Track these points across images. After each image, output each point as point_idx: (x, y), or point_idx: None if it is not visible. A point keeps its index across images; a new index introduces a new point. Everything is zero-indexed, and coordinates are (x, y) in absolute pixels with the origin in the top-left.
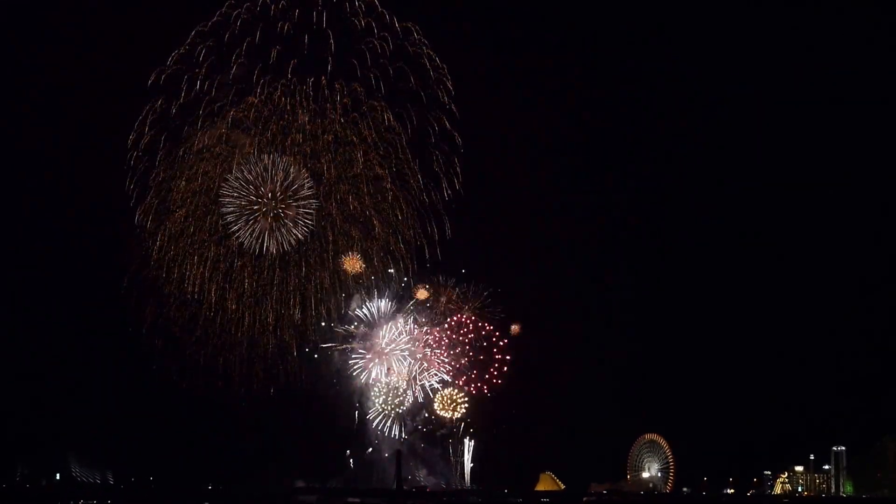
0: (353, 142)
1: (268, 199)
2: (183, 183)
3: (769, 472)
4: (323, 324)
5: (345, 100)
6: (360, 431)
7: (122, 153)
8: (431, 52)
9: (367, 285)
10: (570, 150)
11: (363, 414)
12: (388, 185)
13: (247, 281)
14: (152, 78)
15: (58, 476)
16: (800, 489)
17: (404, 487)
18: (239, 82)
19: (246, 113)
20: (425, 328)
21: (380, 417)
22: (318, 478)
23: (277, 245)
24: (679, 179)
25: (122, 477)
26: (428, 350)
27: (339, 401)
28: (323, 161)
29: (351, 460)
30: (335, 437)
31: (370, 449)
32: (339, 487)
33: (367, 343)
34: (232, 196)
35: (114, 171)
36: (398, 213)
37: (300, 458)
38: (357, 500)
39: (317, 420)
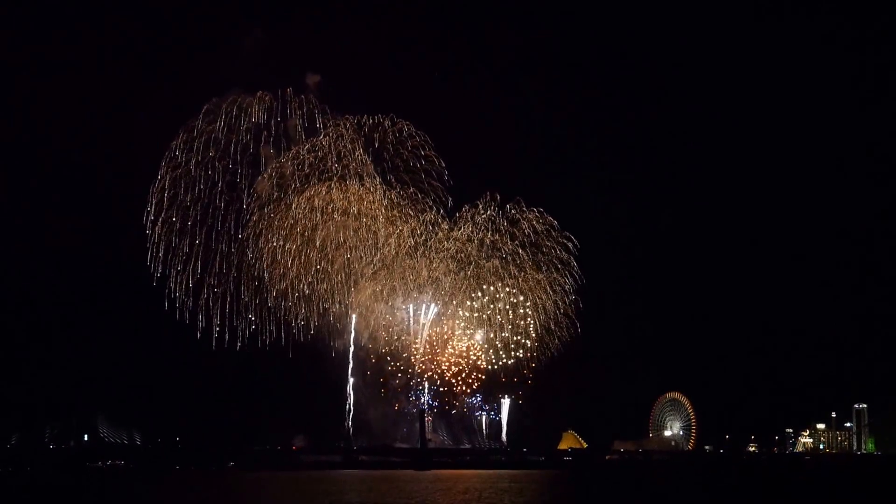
0: None
1: None
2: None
3: (791, 430)
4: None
5: None
6: (382, 390)
7: None
8: None
9: None
10: None
11: (386, 373)
12: None
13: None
14: None
15: (86, 437)
16: (822, 446)
17: (428, 447)
18: None
19: None
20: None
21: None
22: (340, 437)
23: None
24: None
25: (150, 437)
26: None
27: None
28: None
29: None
30: (359, 396)
31: (395, 408)
32: (364, 446)
33: None
34: None
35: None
36: None
37: (321, 420)
38: (366, 457)
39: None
